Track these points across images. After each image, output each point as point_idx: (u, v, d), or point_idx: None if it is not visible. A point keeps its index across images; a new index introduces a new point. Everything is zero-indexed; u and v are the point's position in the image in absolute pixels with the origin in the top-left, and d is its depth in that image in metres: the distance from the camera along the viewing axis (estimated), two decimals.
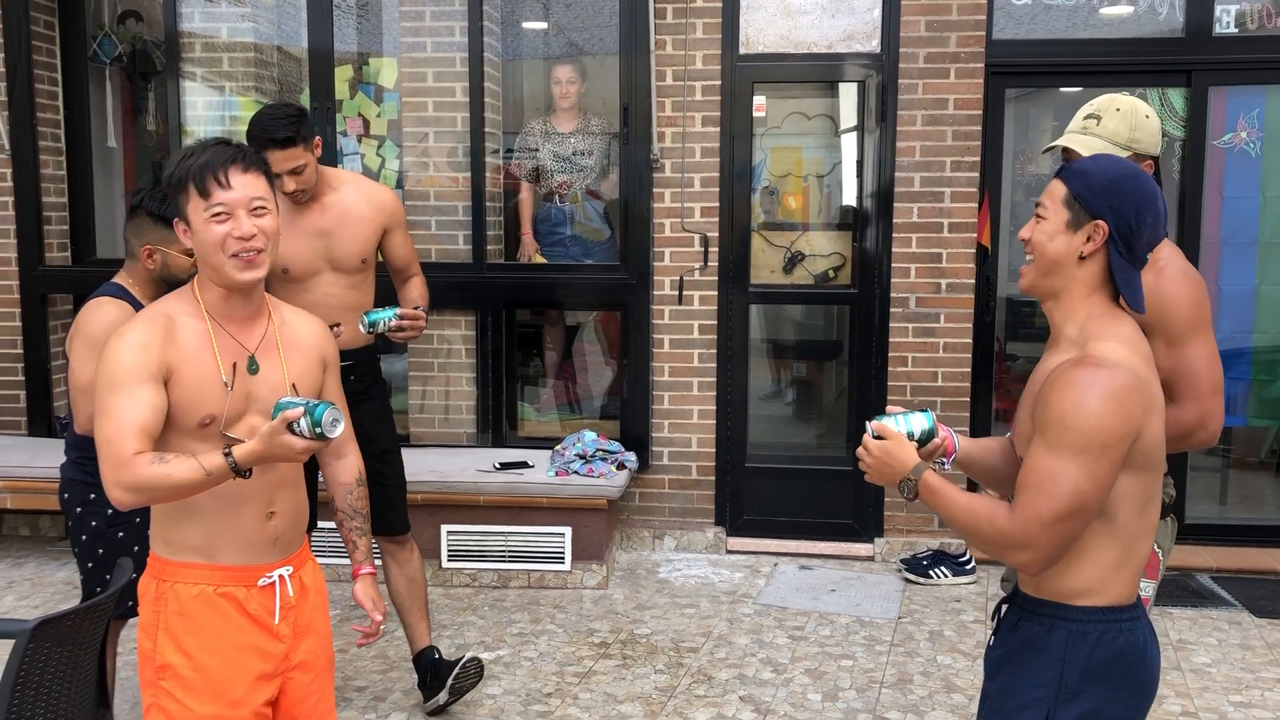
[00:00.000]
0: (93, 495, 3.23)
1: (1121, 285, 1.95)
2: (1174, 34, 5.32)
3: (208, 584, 2.23)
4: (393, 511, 3.84)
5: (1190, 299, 2.54)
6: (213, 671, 2.22)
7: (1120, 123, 2.69)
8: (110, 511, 3.23)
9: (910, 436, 2.16)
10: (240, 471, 2.10)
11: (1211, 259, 5.41)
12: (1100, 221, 1.93)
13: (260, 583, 2.27)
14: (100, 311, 3.15)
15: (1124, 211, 1.92)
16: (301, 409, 2.09)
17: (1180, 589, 5.02)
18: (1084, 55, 5.37)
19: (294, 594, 2.33)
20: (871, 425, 2.15)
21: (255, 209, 2.19)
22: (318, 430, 2.09)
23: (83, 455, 3.25)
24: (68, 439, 3.33)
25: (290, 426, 2.08)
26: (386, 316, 3.57)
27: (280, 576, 2.29)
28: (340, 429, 2.11)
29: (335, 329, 3.64)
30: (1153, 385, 1.91)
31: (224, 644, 2.23)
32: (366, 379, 3.83)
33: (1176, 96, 5.36)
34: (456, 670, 3.78)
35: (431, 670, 3.83)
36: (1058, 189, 2.00)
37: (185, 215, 2.20)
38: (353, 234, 3.67)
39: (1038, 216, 2.02)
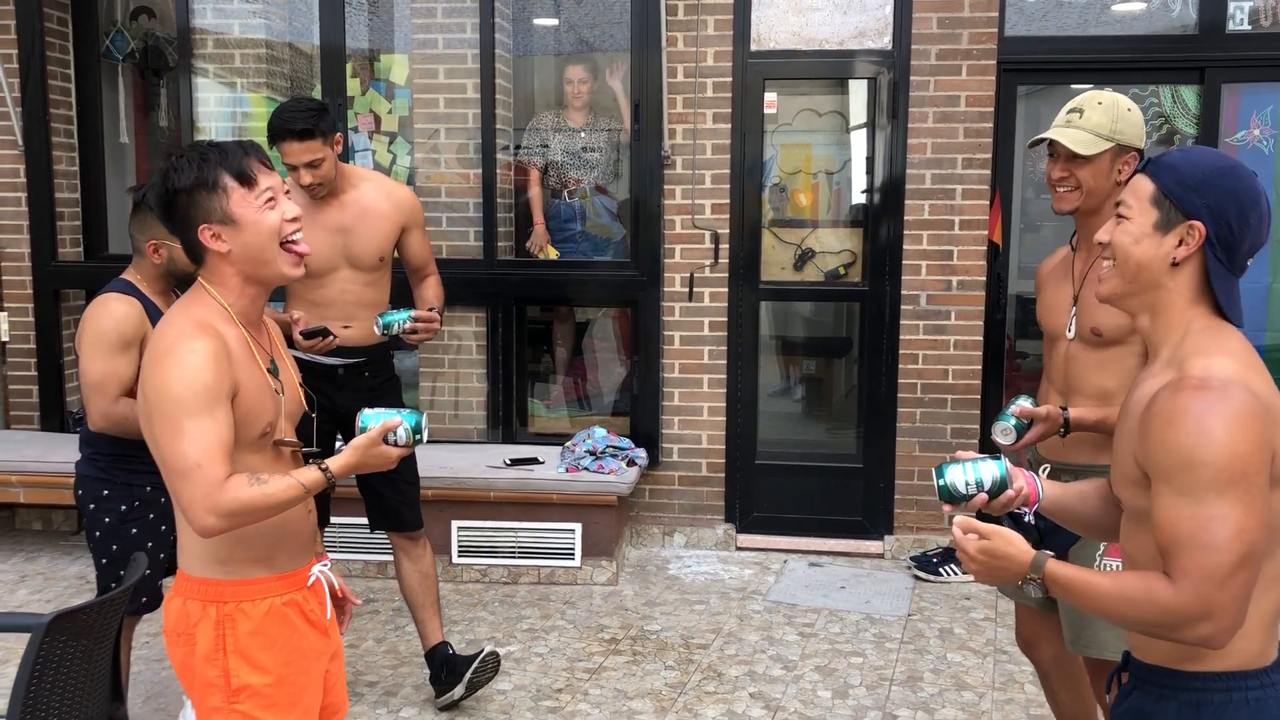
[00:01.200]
0: (105, 491, 3.25)
1: (1221, 296, 1.69)
2: (1187, 31, 5.31)
3: (275, 595, 2.14)
4: (406, 507, 3.85)
5: None
6: (291, 682, 2.16)
7: (1102, 115, 2.71)
8: (124, 508, 3.24)
9: (980, 487, 1.95)
10: (334, 485, 2.11)
11: None
12: (1195, 222, 1.69)
13: (309, 582, 2.22)
14: (107, 308, 3.15)
15: (1224, 211, 1.67)
16: (398, 418, 2.15)
17: None
18: (1096, 52, 5.35)
19: (338, 585, 2.31)
20: (957, 523, 1.81)
21: (286, 193, 2.18)
22: (418, 437, 2.17)
23: (96, 452, 3.26)
24: (81, 436, 3.34)
25: (384, 436, 2.14)
26: (400, 319, 3.57)
27: (322, 572, 2.25)
28: (426, 433, 2.21)
29: (345, 327, 3.66)
30: (1272, 399, 1.64)
31: (295, 653, 2.17)
32: (380, 375, 3.85)
33: (1189, 94, 5.35)
34: (475, 664, 3.79)
35: (447, 665, 3.84)
36: (1144, 185, 1.74)
37: (227, 214, 2.08)
38: (371, 231, 3.68)
39: (1119, 216, 1.78)
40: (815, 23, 5.40)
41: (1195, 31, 5.28)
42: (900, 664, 4.26)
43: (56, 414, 5.89)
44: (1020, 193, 5.63)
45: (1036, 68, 5.42)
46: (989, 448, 2.80)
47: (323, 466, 2.10)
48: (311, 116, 3.48)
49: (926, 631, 4.57)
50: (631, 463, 5.26)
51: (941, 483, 1.98)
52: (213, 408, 1.98)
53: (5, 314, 5.87)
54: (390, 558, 5.09)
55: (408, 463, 3.86)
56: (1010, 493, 1.96)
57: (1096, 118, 2.71)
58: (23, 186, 5.77)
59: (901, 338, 5.40)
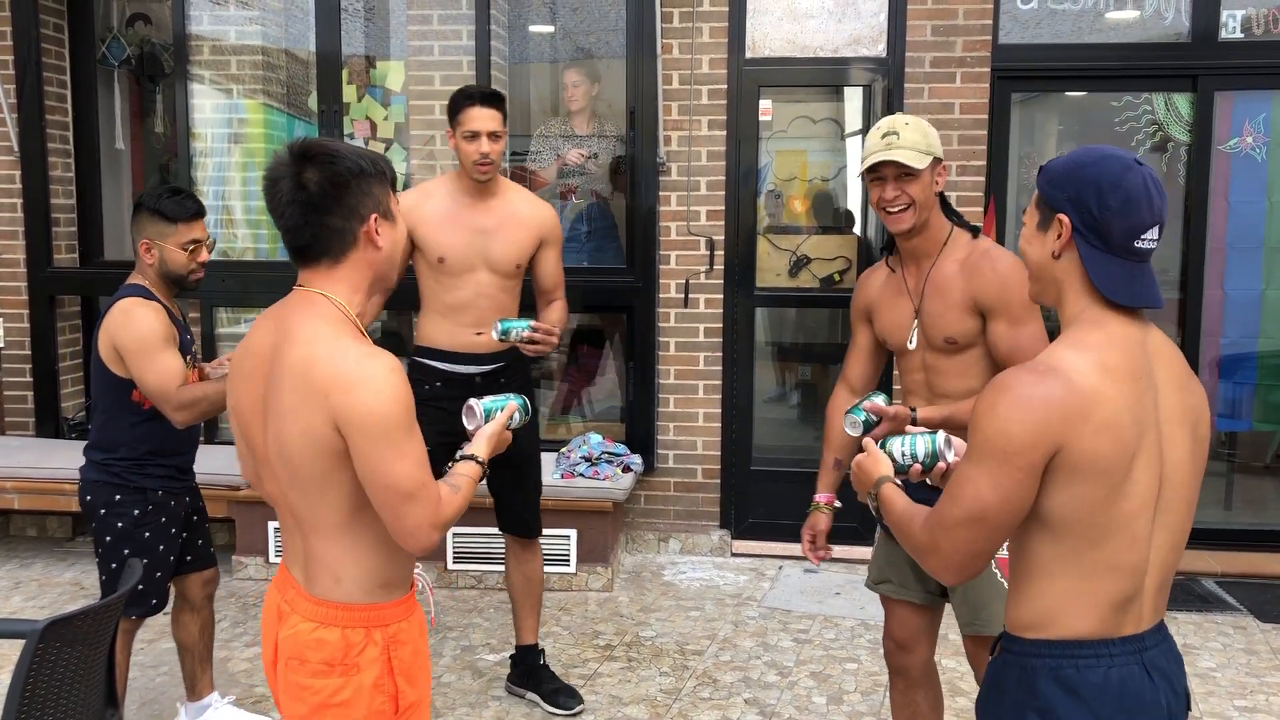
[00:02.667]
0: (118, 496, 3.26)
1: (1096, 279, 1.78)
2: (1180, 39, 5.33)
3: (415, 611, 2.11)
4: (529, 514, 3.95)
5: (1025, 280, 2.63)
6: (425, 689, 2.15)
7: (915, 132, 2.78)
8: (137, 512, 3.26)
9: (914, 459, 2.14)
10: (486, 473, 2.18)
11: (1217, 264, 5.41)
12: (1061, 215, 1.81)
13: (416, 592, 2.18)
14: (138, 314, 3.19)
15: (1084, 199, 1.78)
16: (513, 402, 2.30)
17: (1185, 594, 5.02)
18: (1090, 60, 5.37)
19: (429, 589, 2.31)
20: (860, 435, 2.15)
21: None
22: (526, 418, 2.34)
23: (109, 457, 3.28)
24: (90, 441, 3.36)
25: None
26: (520, 326, 3.51)
27: (421, 576, 2.22)
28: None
29: (478, 334, 3.67)
30: (1100, 395, 1.71)
31: (425, 662, 2.16)
32: (515, 382, 3.80)
33: (1182, 101, 5.37)
34: (557, 708, 3.88)
35: (529, 673, 3.97)
36: (1035, 192, 1.90)
37: (390, 210, 2.04)
38: (512, 238, 3.68)
39: (1024, 224, 1.93)
40: (810, 30, 5.42)
41: (1188, 39, 5.30)
42: None
43: (51, 420, 5.89)
44: (1015, 199, 5.64)
45: (1030, 75, 5.44)
46: None
47: (480, 459, 2.16)
48: (497, 93, 3.61)
49: None
50: (627, 469, 5.27)
51: (882, 452, 2.20)
52: (415, 422, 1.95)
53: (0, 320, 5.87)
54: None
55: (535, 472, 3.98)
56: (942, 465, 2.14)
57: (912, 135, 2.78)
58: (18, 193, 5.78)
59: None
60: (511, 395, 2.31)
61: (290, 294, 2.03)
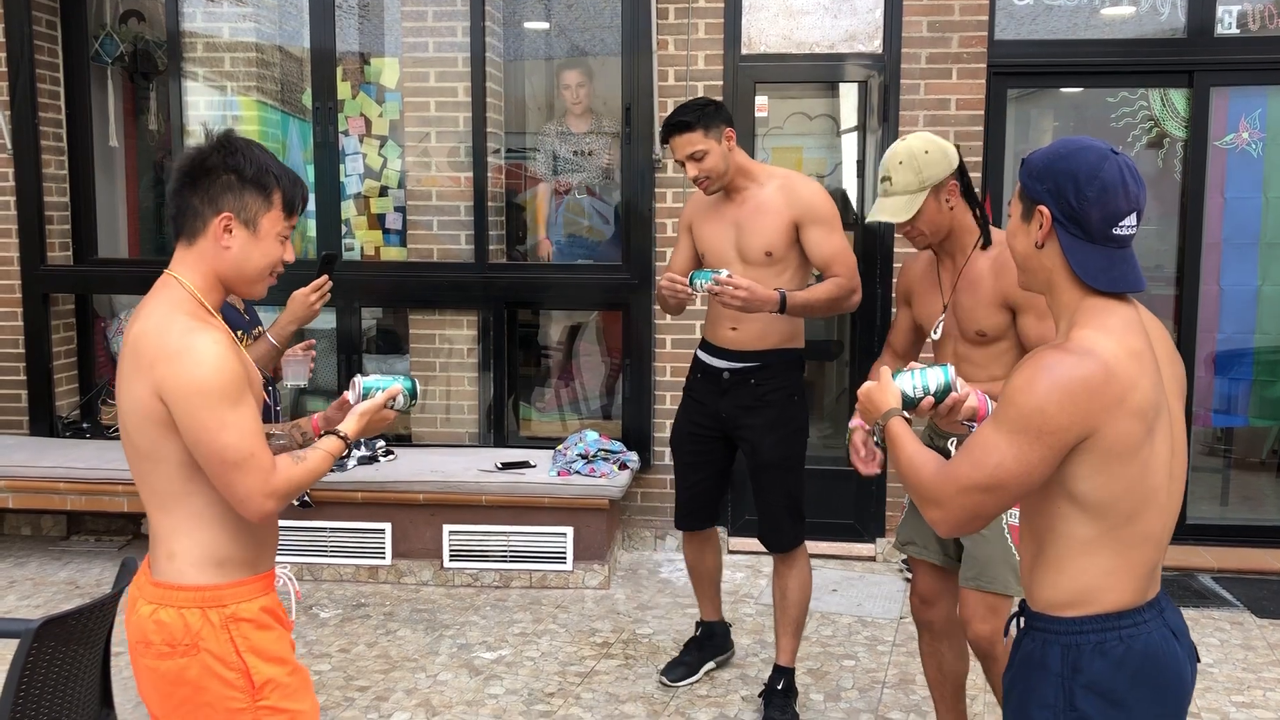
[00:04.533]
0: None
1: (1076, 267, 1.84)
2: (1176, 34, 5.33)
3: (262, 596, 2.10)
4: (771, 525, 3.82)
5: None
6: (300, 669, 2.15)
7: (906, 172, 2.89)
8: None
9: (926, 392, 2.13)
10: (350, 450, 2.20)
11: (1213, 260, 5.41)
12: (1041, 206, 1.86)
13: (276, 585, 2.19)
14: None
15: (1062, 190, 1.83)
16: (398, 385, 2.28)
17: (1182, 589, 5.02)
18: (1086, 56, 5.37)
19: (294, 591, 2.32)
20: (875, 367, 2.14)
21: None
22: (413, 402, 2.32)
23: None
24: None
25: (387, 402, 2.27)
26: (704, 277, 3.46)
27: (287, 575, 2.25)
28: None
29: (732, 329, 3.67)
30: (1133, 380, 1.77)
31: (290, 646, 2.16)
32: (767, 385, 3.72)
33: (1178, 97, 5.37)
34: None
35: (768, 692, 3.86)
36: (1017, 185, 1.95)
37: (256, 223, 2.11)
38: (760, 225, 3.66)
39: (1009, 215, 2.00)
40: (806, 26, 5.41)
41: (1184, 35, 5.30)
42: (892, 666, 4.26)
43: (46, 419, 5.87)
44: (1011, 196, 5.65)
45: (1026, 71, 5.44)
46: None
47: (342, 434, 2.17)
48: (693, 111, 3.61)
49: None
50: (623, 466, 5.26)
51: (893, 383, 2.18)
52: (244, 394, 1.99)
53: None
54: (380, 562, 5.12)
55: (776, 481, 3.77)
56: (956, 395, 2.16)
57: (903, 177, 2.88)
58: (11, 190, 5.76)
59: None
60: (400, 378, 2.31)
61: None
